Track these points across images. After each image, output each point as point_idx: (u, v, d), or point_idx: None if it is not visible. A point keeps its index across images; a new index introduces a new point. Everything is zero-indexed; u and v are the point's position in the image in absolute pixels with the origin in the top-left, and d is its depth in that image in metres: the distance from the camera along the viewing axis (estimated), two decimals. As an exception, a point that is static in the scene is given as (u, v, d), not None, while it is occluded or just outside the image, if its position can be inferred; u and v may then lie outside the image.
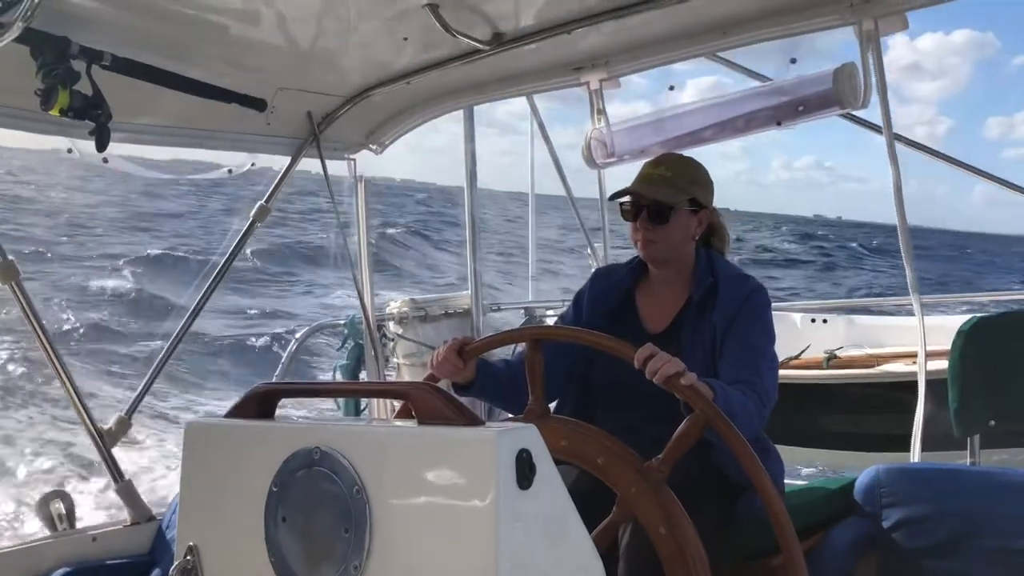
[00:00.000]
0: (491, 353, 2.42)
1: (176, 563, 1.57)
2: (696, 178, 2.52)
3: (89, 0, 2.31)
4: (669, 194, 2.45)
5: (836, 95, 2.88)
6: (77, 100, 2.32)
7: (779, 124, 3.13)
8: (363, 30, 2.83)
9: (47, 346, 2.94)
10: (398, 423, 1.50)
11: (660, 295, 2.54)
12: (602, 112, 3.33)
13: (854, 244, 49.10)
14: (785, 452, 2.52)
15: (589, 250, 5.84)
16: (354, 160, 3.86)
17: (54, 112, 2.30)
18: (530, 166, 9.66)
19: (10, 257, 2.81)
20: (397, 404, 3.78)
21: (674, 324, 2.48)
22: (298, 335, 4.40)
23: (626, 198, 2.50)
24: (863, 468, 2.69)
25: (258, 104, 2.92)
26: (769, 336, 2.40)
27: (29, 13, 2.01)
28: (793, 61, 3.02)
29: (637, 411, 2.29)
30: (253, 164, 3.51)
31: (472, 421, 1.31)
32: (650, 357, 2.00)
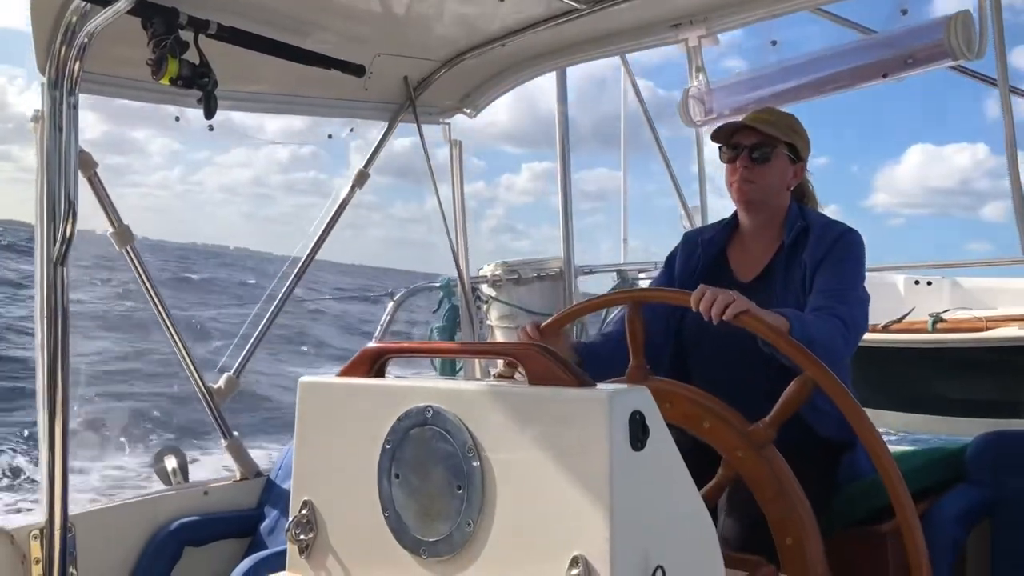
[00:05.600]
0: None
1: (292, 517, 1.62)
2: (797, 128, 2.52)
3: (195, -30, 2.37)
4: (772, 131, 2.43)
5: (949, 45, 2.75)
6: (185, 69, 2.38)
7: (885, 76, 3.02)
8: (460, -8, 2.82)
9: (160, 308, 3.06)
10: (508, 383, 1.50)
11: (751, 246, 2.52)
12: (701, 69, 3.26)
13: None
14: (890, 417, 2.46)
15: (682, 211, 5.74)
16: (448, 124, 3.88)
17: (164, 81, 2.37)
18: (621, 124, 9.57)
19: (125, 223, 2.92)
20: (492, 366, 3.82)
21: (766, 272, 2.46)
22: (396, 297, 4.45)
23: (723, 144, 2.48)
24: (972, 434, 2.60)
25: (357, 70, 2.95)
26: (859, 275, 2.35)
27: None
28: (904, 12, 2.89)
29: (730, 370, 2.27)
30: (351, 130, 3.56)
31: (584, 382, 1.31)
32: (702, 297, 1.98)
